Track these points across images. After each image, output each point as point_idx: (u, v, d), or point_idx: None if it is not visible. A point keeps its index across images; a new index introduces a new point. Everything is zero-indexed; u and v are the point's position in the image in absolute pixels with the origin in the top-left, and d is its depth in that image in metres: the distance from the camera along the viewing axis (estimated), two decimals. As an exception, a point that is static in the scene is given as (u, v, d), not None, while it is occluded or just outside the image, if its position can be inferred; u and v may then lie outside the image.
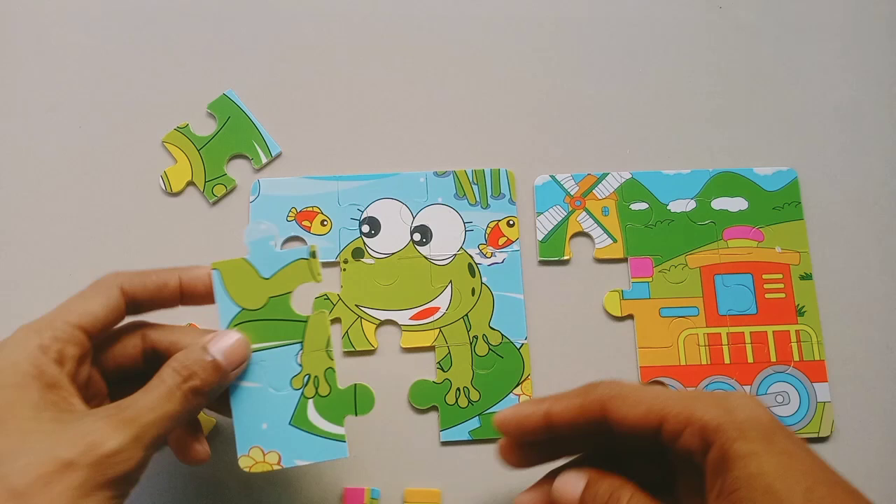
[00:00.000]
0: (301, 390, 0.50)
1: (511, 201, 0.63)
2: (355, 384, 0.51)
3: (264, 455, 0.49)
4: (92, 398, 0.45)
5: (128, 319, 0.48)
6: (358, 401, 0.51)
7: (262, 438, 0.49)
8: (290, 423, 0.49)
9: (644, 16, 0.69)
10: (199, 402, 0.44)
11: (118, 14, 0.68)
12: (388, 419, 0.59)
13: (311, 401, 0.50)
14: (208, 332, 0.47)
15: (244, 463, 0.49)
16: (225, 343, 0.46)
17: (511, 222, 0.63)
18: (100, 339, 0.45)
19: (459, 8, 0.69)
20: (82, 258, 0.62)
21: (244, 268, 0.51)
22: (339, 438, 0.50)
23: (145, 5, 0.68)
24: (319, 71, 0.67)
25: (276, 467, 0.49)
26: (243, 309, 0.51)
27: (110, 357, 0.46)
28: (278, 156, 0.65)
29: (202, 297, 0.48)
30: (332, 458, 0.50)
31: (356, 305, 0.60)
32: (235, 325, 0.50)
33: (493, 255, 0.62)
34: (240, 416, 0.49)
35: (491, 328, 0.60)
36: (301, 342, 0.51)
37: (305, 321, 0.50)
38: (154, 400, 0.42)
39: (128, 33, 0.68)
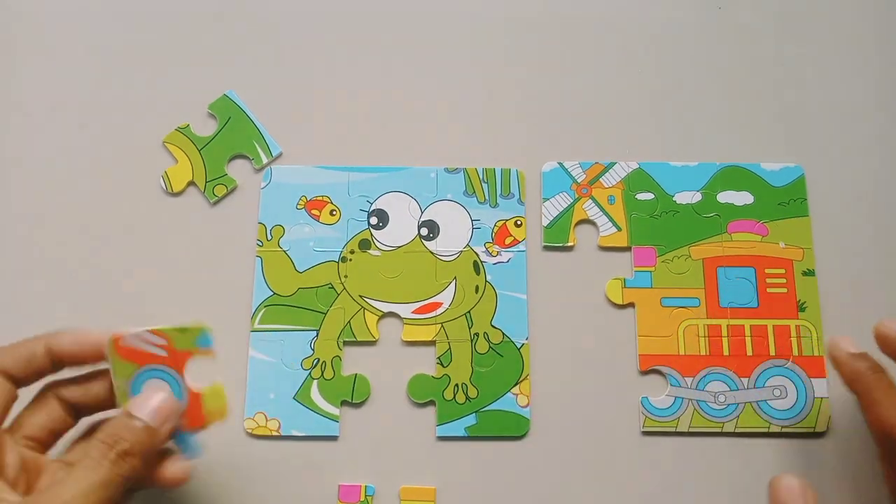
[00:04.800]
0: (309, 371, 0.65)
1: (520, 202, 0.70)
2: (356, 374, 0.65)
3: (267, 421, 0.63)
4: (35, 475, 0.50)
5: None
6: (356, 388, 0.65)
7: (268, 406, 0.64)
8: (293, 398, 0.64)
9: (655, 13, 0.76)
10: (133, 469, 0.47)
11: (119, 14, 0.76)
12: (385, 411, 0.65)
13: (315, 381, 0.65)
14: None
15: (248, 425, 0.64)
16: (151, 403, 0.50)
17: (518, 222, 0.69)
18: (2, 418, 0.50)
19: (463, 4, 0.76)
20: (82, 258, 0.69)
21: (283, 259, 0.67)
22: (334, 418, 0.64)
23: (146, 5, 0.76)
24: (320, 71, 0.74)
25: (274, 433, 0.63)
26: (275, 293, 0.66)
27: (38, 427, 0.51)
28: (279, 156, 0.71)
29: (74, 362, 0.52)
30: (323, 434, 0.64)
31: (360, 296, 0.67)
32: (266, 307, 0.66)
33: (498, 253, 0.68)
34: (252, 384, 0.64)
35: (492, 326, 0.67)
36: (317, 331, 0.65)
37: (325, 313, 0.61)
38: (79, 486, 0.45)
39: (129, 34, 0.75)
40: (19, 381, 0.50)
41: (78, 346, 0.51)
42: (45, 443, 0.51)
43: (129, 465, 0.47)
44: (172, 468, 0.51)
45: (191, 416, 0.52)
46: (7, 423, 0.50)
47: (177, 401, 0.51)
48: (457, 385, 0.65)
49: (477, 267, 0.68)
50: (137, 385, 0.51)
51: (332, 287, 0.67)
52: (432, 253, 0.68)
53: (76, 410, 0.53)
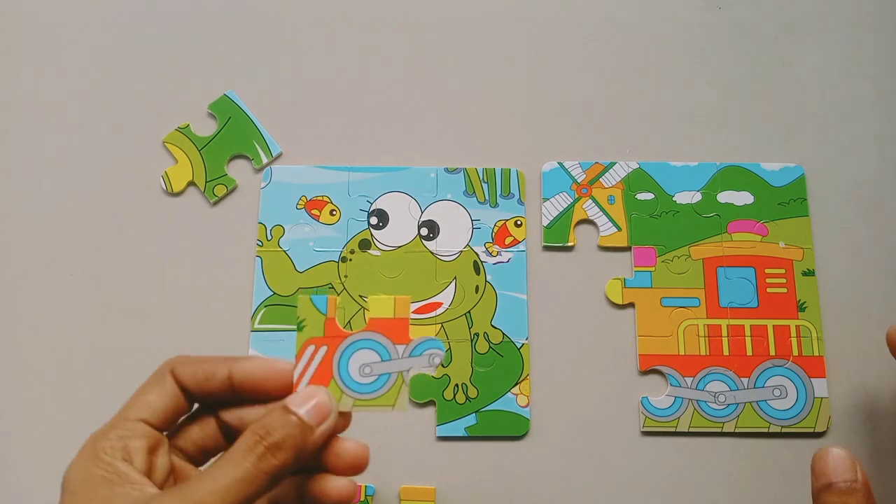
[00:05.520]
0: None
1: (520, 202, 0.71)
2: None
3: None
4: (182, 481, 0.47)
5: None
6: None
7: None
8: None
9: (655, 13, 0.77)
10: (281, 465, 0.43)
11: (120, 15, 0.76)
12: (385, 413, 0.65)
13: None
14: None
15: None
16: (311, 401, 0.45)
17: (519, 222, 0.70)
18: (170, 426, 0.47)
19: (463, 5, 0.77)
20: (82, 258, 0.69)
21: (283, 259, 0.67)
22: None
23: (147, 6, 0.76)
24: (320, 71, 0.75)
25: None
26: (275, 293, 0.67)
27: (189, 442, 0.48)
28: (279, 156, 0.72)
29: (254, 392, 0.47)
30: None
31: (360, 296, 0.68)
32: (266, 307, 0.65)
33: (498, 253, 0.69)
34: None
35: (492, 326, 0.67)
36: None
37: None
38: (218, 482, 0.42)
39: (129, 34, 0.76)
40: (191, 397, 0.47)
41: (264, 376, 0.47)
42: (195, 458, 0.49)
43: (278, 461, 0.43)
44: (337, 484, 0.47)
45: (398, 334, 0.48)
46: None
47: (335, 404, 0.46)
48: (457, 385, 0.66)
49: (477, 267, 0.68)
50: (346, 359, 0.48)
51: (333, 287, 0.68)
52: (432, 253, 0.69)
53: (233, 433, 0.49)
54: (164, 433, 0.47)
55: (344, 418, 0.48)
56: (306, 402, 0.45)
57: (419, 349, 0.47)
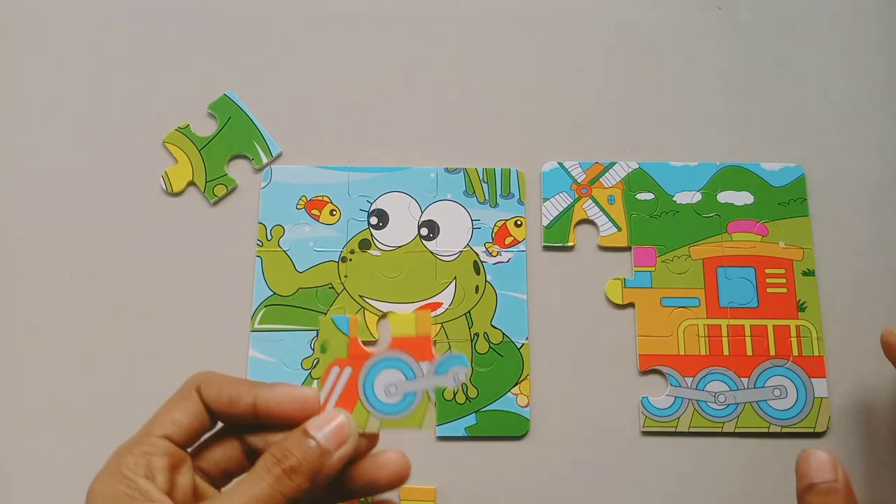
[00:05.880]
0: (309, 371, 0.64)
1: (520, 202, 0.71)
2: None
3: None
4: None
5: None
6: None
7: None
8: None
9: (655, 13, 0.77)
10: (297, 488, 0.43)
11: (120, 15, 0.76)
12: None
13: (315, 381, 0.64)
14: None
15: None
16: (329, 425, 0.45)
17: (519, 222, 0.70)
18: (194, 443, 0.47)
19: (463, 5, 0.77)
20: (82, 258, 0.70)
21: (283, 259, 0.68)
22: None
23: (146, 6, 0.76)
24: (320, 71, 0.75)
25: None
26: (275, 293, 0.67)
27: (212, 463, 0.48)
28: (279, 156, 0.72)
29: (279, 419, 0.47)
30: None
31: (360, 296, 0.68)
32: (266, 307, 0.66)
33: (498, 253, 0.69)
34: None
35: (492, 326, 0.67)
36: (318, 331, 0.65)
37: (325, 314, 0.61)
38: (235, 500, 0.43)
39: (129, 34, 0.76)
40: (215, 417, 0.47)
41: (289, 405, 0.46)
42: (216, 480, 0.49)
43: (294, 484, 0.43)
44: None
45: (421, 352, 0.48)
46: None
47: (354, 426, 0.46)
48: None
49: (477, 267, 0.68)
50: (371, 379, 0.48)
51: (332, 287, 0.68)
52: (432, 253, 0.69)
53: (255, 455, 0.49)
54: (188, 450, 0.47)
55: (369, 439, 0.48)
56: (326, 426, 0.45)
57: (443, 367, 0.47)
